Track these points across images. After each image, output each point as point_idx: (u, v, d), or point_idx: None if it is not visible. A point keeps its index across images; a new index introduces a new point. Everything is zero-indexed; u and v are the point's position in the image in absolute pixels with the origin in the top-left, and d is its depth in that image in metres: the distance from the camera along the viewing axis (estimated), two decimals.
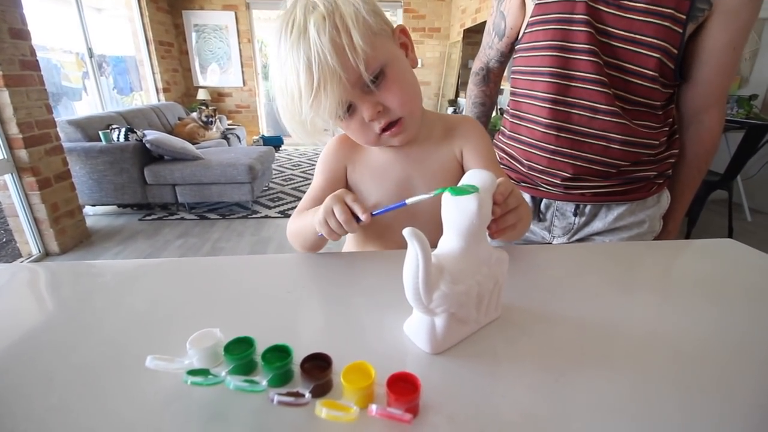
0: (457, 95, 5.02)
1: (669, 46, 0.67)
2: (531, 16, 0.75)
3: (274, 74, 0.56)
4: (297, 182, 4.05)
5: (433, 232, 0.44)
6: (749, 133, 2.35)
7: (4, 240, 3.04)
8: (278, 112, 0.58)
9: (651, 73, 0.69)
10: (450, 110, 4.80)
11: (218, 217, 3.15)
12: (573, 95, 0.73)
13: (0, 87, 2.15)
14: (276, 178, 4.20)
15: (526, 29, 0.78)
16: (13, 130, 2.23)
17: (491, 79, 1.00)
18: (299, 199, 3.52)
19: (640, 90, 0.71)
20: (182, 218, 3.12)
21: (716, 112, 0.76)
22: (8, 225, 2.50)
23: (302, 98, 0.52)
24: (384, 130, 0.59)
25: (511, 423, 0.33)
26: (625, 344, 0.43)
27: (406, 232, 0.35)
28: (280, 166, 4.70)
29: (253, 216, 3.15)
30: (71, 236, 2.62)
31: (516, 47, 0.84)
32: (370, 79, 0.53)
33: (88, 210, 3.20)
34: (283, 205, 3.40)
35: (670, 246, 0.76)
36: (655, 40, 0.67)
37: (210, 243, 2.71)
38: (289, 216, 3.26)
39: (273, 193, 3.70)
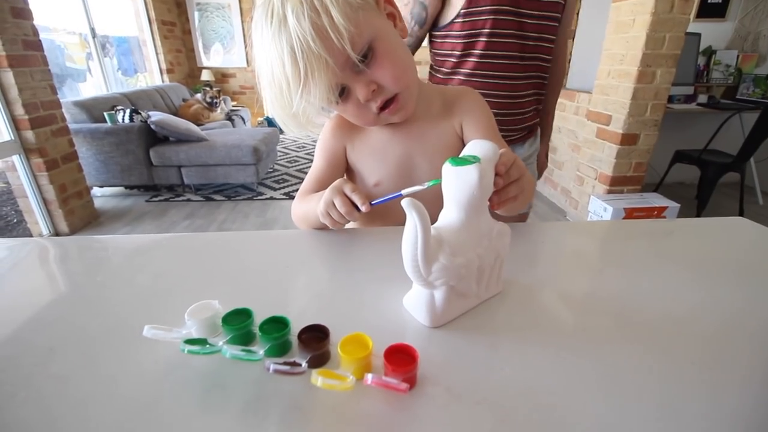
0: None
1: (558, 14, 0.90)
2: (463, 8, 0.87)
3: (260, 68, 0.54)
4: (302, 164, 4.04)
5: (435, 207, 0.43)
6: (765, 114, 2.28)
7: (15, 221, 3.09)
8: (268, 107, 0.56)
9: (553, 36, 0.91)
10: None
11: (224, 198, 3.16)
12: (497, 70, 0.90)
13: (4, 67, 2.14)
14: (281, 159, 4.18)
15: (456, 18, 0.88)
16: (19, 111, 2.23)
17: None
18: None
19: (547, 51, 0.92)
20: (188, 200, 3.14)
21: (563, 38, 1.02)
22: (18, 206, 2.53)
23: (291, 88, 0.50)
24: (382, 108, 0.57)
25: (509, 396, 0.33)
26: (629, 321, 0.43)
27: (405, 202, 0.35)
28: (284, 147, 4.67)
29: (259, 197, 3.16)
30: (80, 217, 2.65)
31: (439, 32, 0.94)
32: (358, 58, 0.51)
33: (96, 191, 3.22)
34: (287, 186, 3.40)
35: (680, 223, 0.74)
36: (554, 13, 0.89)
37: (216, 224, 2.73)
38: (294, 197, 3.25)
39: (278, 175, 3.69)
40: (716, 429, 0.30)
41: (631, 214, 2.22)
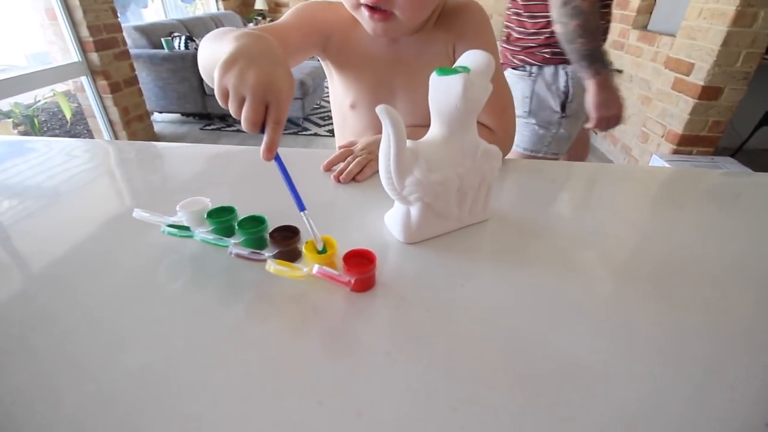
0: None
1: None
2: None
3: None
4: None
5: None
6: None
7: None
8: None
9: None
10: None
11: None
12: None
13: None
14: (328, 96, 4.15)
15: None
16: (84, 32, 2.36)
17: None
18: None
19: None
20: (238, 130, 3.25)
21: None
22: (89, 126, 2.77)
23: None
24: (369, 6, 0.51)
25: (460, 308, 0.33)
26: (621, 263, 0.40)
27: (380, 108, 0.34)
28: None
29: (303, 133, 3.20)
30: (142, 139, 2.86)
31: None
32: None
33: (156, 117, 3.43)
34: (332, 124, 3.40)
35: (673, 172, 0.66)
36: None
37: None
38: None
39: (324, 112, 3.70)
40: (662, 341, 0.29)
41: None
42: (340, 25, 0.60)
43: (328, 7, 0.61)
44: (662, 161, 2.10)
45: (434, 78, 0.36)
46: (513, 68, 1.06)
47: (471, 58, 0.36)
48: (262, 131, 0.35)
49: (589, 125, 0.95)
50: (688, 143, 2.17)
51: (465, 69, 0.35)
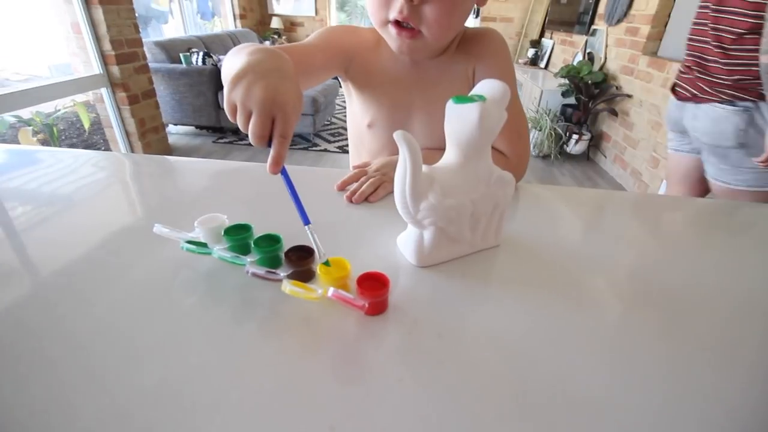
0: (541, 35, 4.52)
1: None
2: None
3: None
4: None
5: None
6: None
7: (102, 149, 3.48)
8: None
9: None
10: (531, 51, 4.36)
11: None
12: None
13: (95, 4, 2.32)
14: (338, 113, 4.22)
15: None
16: (107, 46, 2.44)
17: None
18: None
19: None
20: (250, 144, 3.30)
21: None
22: (105, 135, 2.84)
23: None
24: (398, 24, 0.52)
25: (472, 335, 0.33)
26: (624, 289, 0.40)
27: (397, 134, 0.34)
28: (343, 101, 4.69)
29: (313, 149, 3.24)
30: (156, 150, 2.92)
31: None
32: None
33: (170, 129, 3.50)
34: (342, 140, 3.44)
35: (691, 203, 0.66)
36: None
37: None
38: (348, 152, 3.33)
39: (334, 128, 3.75)
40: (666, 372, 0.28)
41: None
42: (363, 48, 0.63)
43: (354, 31, 0.64)
44: None
45: (450, 105, 0.37)
46: (718, 102, 1.02)
47: (487, 86, 0.37)
48: (270, 145, 0.36)
49: (760, 159, 0.92)
50: None
51: (481, 98, 0.36)
